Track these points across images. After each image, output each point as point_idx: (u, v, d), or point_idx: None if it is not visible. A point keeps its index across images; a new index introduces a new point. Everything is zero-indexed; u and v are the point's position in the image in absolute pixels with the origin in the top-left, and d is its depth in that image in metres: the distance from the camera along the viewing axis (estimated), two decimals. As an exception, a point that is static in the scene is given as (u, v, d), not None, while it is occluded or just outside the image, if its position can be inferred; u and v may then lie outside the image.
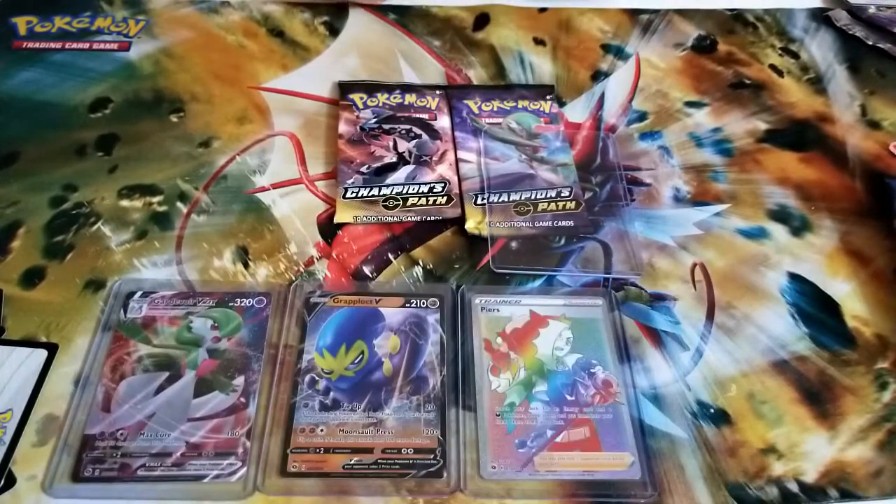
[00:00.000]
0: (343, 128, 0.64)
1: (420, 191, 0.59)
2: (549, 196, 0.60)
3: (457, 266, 0.56)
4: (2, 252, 0.54)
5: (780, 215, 0.61)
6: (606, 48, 0.75)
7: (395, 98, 0.67)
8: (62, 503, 0.42)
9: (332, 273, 0.55)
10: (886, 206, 0.61)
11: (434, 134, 0.65)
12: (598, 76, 0.72)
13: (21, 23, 0.74)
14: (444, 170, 0.61)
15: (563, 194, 0.60)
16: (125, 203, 0.59)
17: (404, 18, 0.77)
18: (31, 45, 0.71)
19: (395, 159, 0.62)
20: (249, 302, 0.52)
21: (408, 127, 0.65)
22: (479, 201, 0.59)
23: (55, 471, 0.43)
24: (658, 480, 0.45)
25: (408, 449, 0.45)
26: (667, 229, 0.59)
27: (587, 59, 0.74)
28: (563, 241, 0.58)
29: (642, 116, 0.68)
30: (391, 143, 0.63)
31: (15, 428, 0.45)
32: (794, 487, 0.45)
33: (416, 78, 0.71)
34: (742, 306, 0.54)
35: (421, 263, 0.56)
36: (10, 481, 0.43)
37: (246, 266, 0.55)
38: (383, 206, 0.58)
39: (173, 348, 0.49)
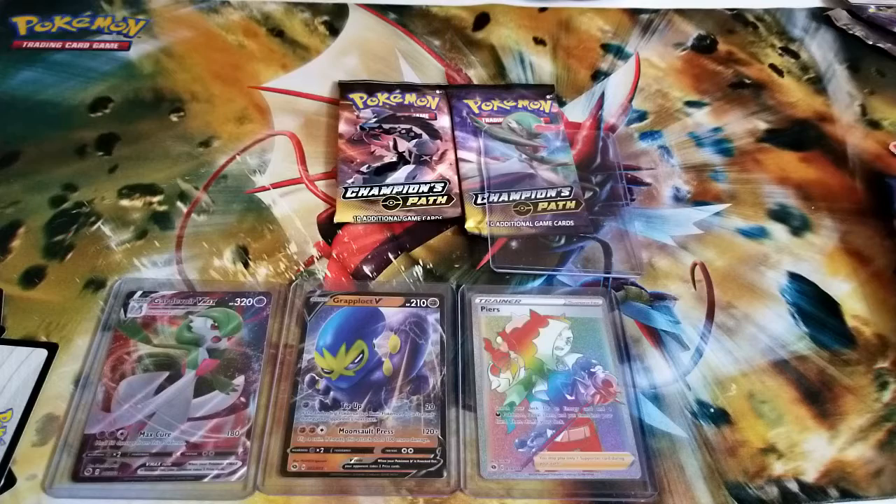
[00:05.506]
0: (343, 127, 0.64)
1: (420, 190, 0.59)
2: (549, 196, 0.60)
3: (457, 266, 0.56)
4: (2, 252, 0.54)
5: (780, 215, 0.61)
6: (606, 48, 0.75)
7: (395, 98, 0.67)
8: (62, 503, 0.42)
9: (332, 273, 0.55)
10: (886, 206, 0.61)
11: (434, 133, 0.65)
12: (598, 76, 0.72)
13: (21, 22, 0.74)
14: (444, 169, 0.61)
15: (563, 194, 0.60)
16: (125, 203, 0.59)
17: (404, 18, 0.77)
18: (31, 44, 0.71)
19: (395, 159, 0.62)
20: (249, 301, 0.52)
21: (408, 126, 0.65)
22: (479, 201, 0.59)
23: (55, 470, 0.43)
24: (658, 480, 0.45)
25: (408, 448, 0.45)
26: (667, 229, 0.59)
27: (587, 58, 0.74)
28: (563, 241, 0.58)
29: (642, 116, 0.68)
30: (391, 143, 0.63)
31: (15, 427, 0.45)
32: (794, 487, 0.45)
33: (416, 78, 0.71)
34: (742, 306, 0.54)
35: (421, 263, 0.56)
36: (10, 481, 0.43)
37: (246, 266, 0.55)
38: (383, 205, 0.58)
39: (173, 348, 0.49)
